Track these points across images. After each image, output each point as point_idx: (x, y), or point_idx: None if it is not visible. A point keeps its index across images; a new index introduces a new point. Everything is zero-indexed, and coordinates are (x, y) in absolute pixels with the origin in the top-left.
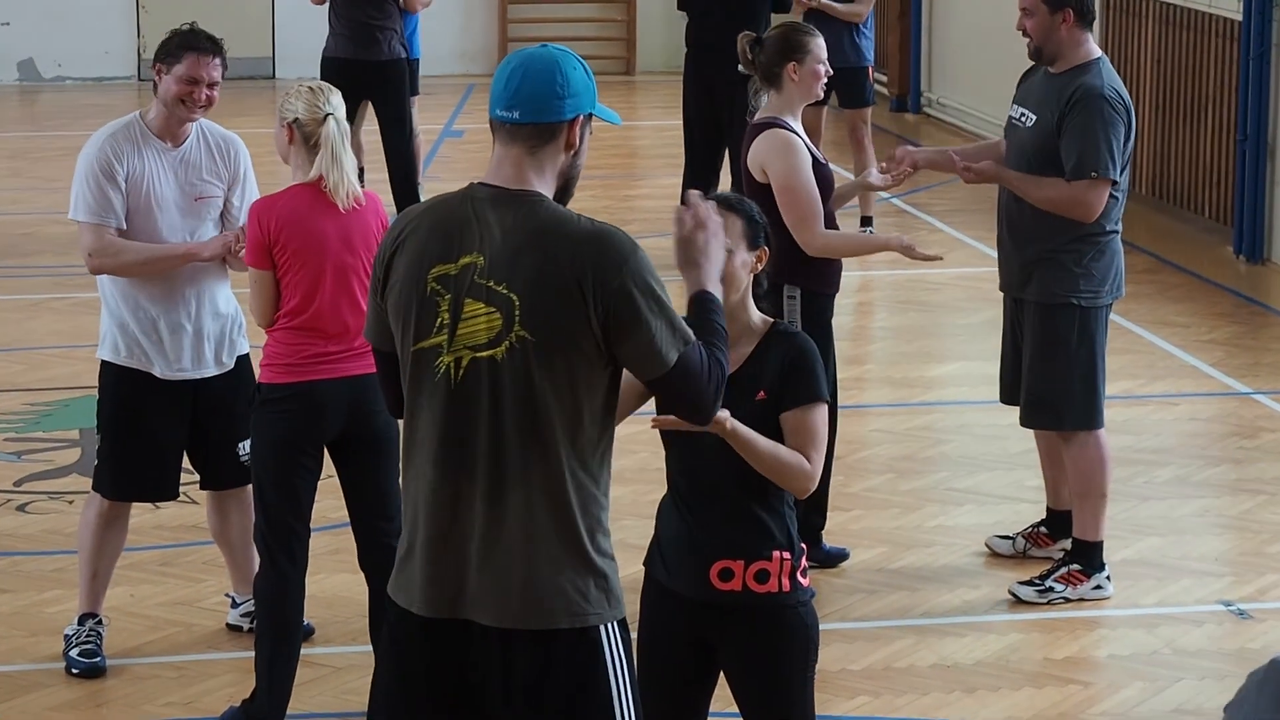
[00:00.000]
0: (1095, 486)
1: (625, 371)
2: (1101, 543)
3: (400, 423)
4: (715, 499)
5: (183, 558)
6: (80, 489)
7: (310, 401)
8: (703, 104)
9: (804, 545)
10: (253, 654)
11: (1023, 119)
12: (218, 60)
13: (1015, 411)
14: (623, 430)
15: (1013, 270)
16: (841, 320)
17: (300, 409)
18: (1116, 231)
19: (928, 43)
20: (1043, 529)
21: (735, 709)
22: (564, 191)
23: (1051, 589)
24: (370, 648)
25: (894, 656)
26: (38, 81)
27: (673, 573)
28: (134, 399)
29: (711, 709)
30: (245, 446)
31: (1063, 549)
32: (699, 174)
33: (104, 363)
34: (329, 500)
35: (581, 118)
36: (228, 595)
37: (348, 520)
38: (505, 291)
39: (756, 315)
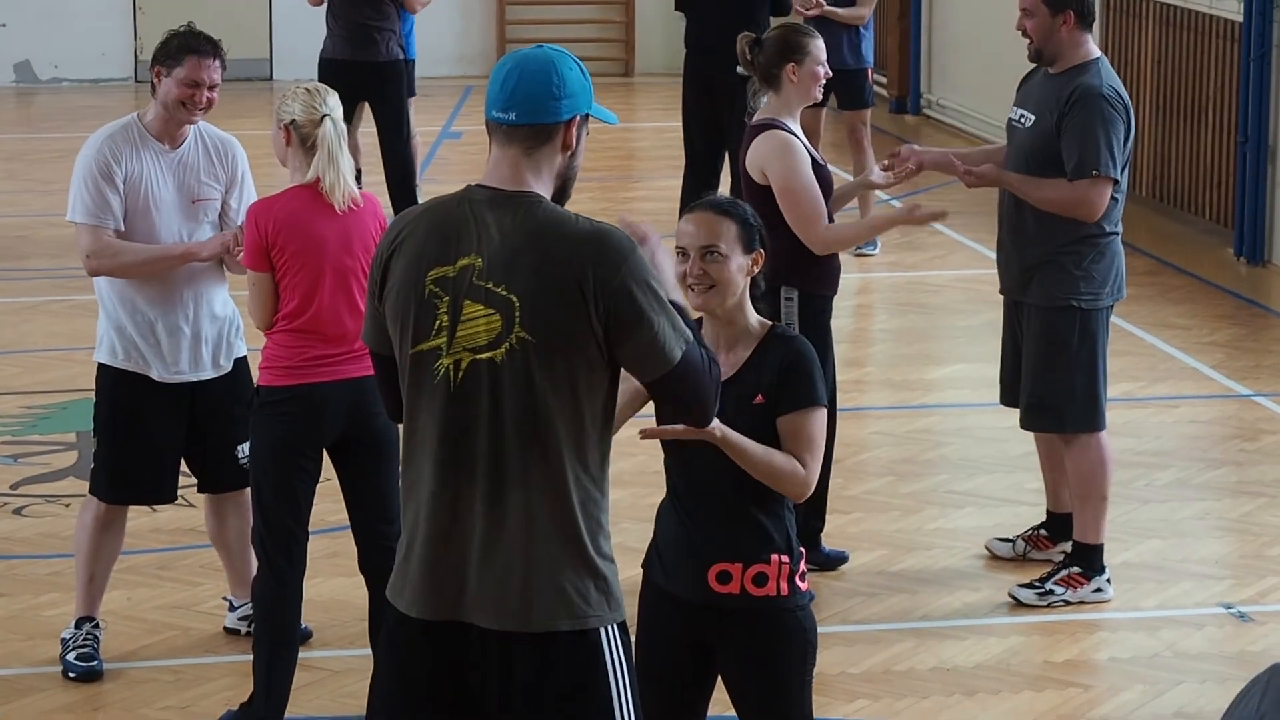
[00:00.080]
0: (1096, 489)
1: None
2: (1102, 545)
3: (400, 425)
4: (714, 502)
5: (180, 561)
6: (77, 492)
7: (310, 404)
8: (702, 106)
9: (803, 549)
10: (250, 657)
11: (1022, 120)
12: (218, 62)
13: (1015, 414)
14: (622, 433)
15: (1013, 273)
16: (841, 322)
17: (300, 411)
18: (1116, 233)
19: (927, 44)
20: (1043, 532)
21: (733, 712)
22: (561, 192)
23: (1052, 592)
24: (369, 651)
25: (893, 659)
26: (34, 83)
27: (671, 575)
28: (131, 402)
29: (709, 712)
30: (244, 449)
31: (1063, 552)
32: (699, 176)
33: (101, 365)
34: (327, 503)
35: (578, 118)
36: (225, 599)
37: (346, 523)
38: (504, 293)
39: (754, 318)
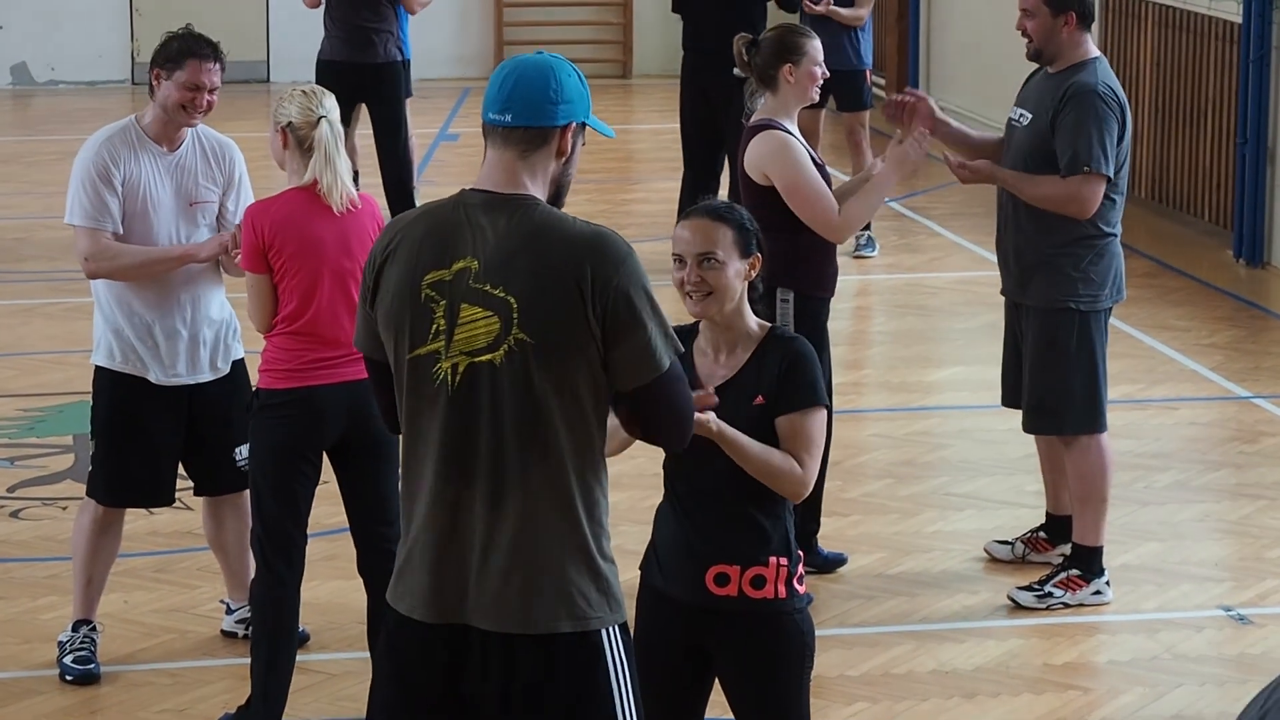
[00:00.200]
0: (1096, 491)
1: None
2: (1101, 548)
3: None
4: (712, 504)
5: (177, 564)
6: (74, 495)
7: (309, 407)
8: (699, 107)
9: (801, 552)
10: (248, 661)
11: (1020, 119)
12: (218, 65)
13: (1014, 416)
14: None
15: (1012, 274)
16: (839, 324)
17: (299, 414)
18: (1115, 234)
19: (926, 46)
20: (1042, 534)
21: (731, 715)
22: (555, 199)
23: (1051, 594)
24: (367, 654)
25: (893, 662)
26: (31, 85)
27: (669, 578)
28: (129, 404)
29: (707, 714)
30: (242, 452)
31: (1062, 554)
32: (698, 178)
33: (98, 368)
34: (324, 506)
35: (574, 125)
36: (222, 602)
37: (343, 526)
38: (502, 295)
39: (753, 321)
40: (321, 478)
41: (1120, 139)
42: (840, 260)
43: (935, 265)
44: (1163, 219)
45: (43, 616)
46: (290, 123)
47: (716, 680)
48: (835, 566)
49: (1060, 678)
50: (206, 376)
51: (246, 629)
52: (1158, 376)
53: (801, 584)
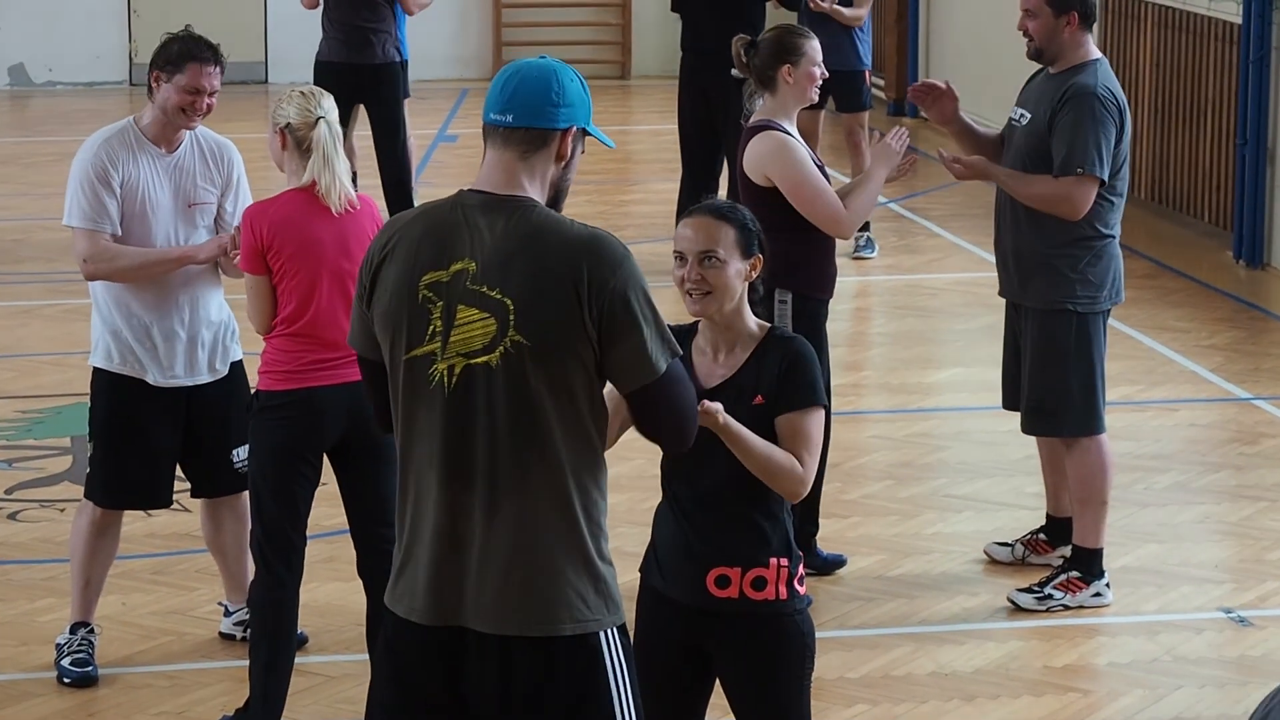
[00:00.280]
0: (1096, 493)
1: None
2: (1101, 550)
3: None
4: (712, 506)
5: (175, 566)
6: (72, 497)
7: (309, 408)
8: (698, 108)
9: (800, 553)
10: (246, 663)
11: (1020, 119)
12: (218, 69)
13: (1014, 417)
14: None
15: (1010, 275)
16: (839, 326)
17: (299, 416)
18: (1113, 236)
19: (925, 46)
20: (1042, 536)
21: (732, 717)
22: (554, 203)
23: (1051, 596)
24: (366, 656)
25: (892, 665)
26: (28, 86)
27: (669, 580)
28: (127, 406)
29: (708, 717)
30: (240, 454)
31: (1062, 556)
32: (696, 178)
33: (96, 370)
34: (322, 507)
35: (574, 130)
36: (221, 604)
37: (341, 528)
38: (499, 297)
39: (752, 321)
40: (320, 479)
41: (1119, 142)
42: (839, 261)
43: (935, 266)
44: (1162, 220)
45: (40, 619)
46: (288, 124)
47: (717, 682)
48: (834, 568)
49: (1060, 680)
50: (205, 378)
51: (245, 631)
52: (1157, 378)
53: (802, 585)
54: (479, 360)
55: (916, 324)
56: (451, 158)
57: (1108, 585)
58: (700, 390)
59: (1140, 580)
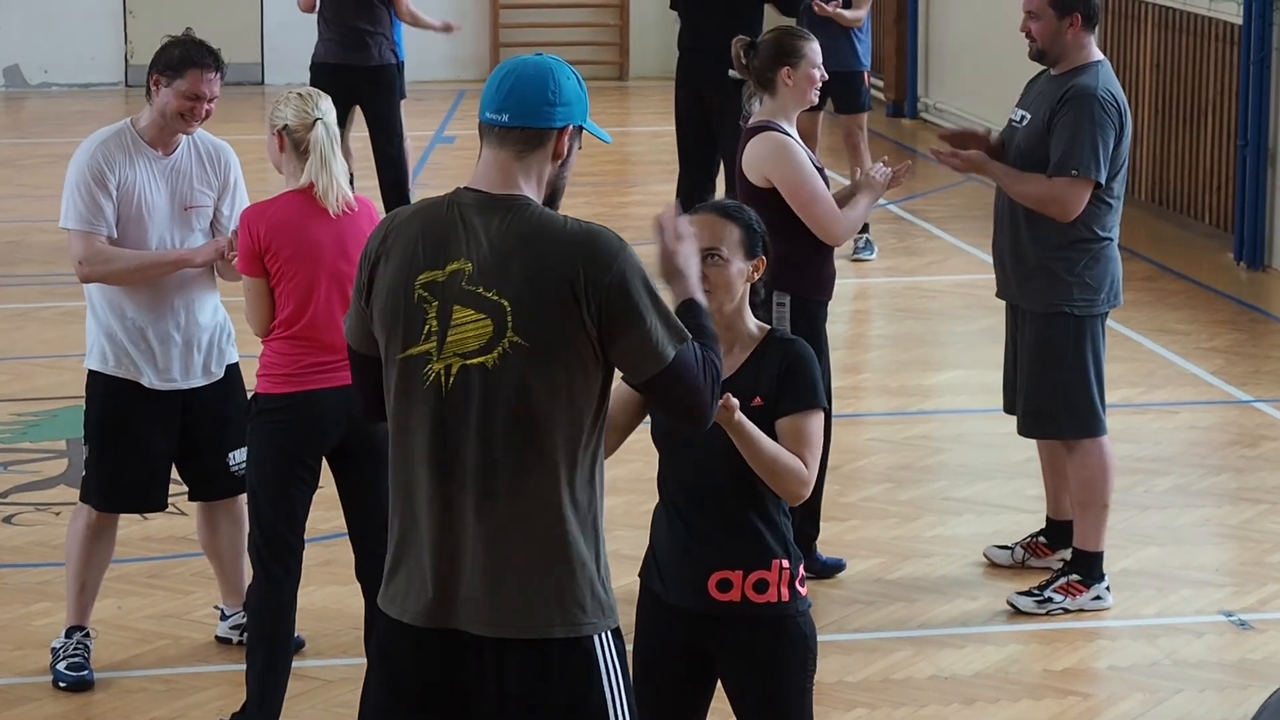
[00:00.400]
0: (1097, 496)
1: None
2: (1102, 553)
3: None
4: (712, 509)
5: (171, 570)
6: (68, 500)
7: (308, 411)
8: (694, 108)
9: (800, 554)
10: (242, 667)
11: (1021, 121)
12: (218, 75)
13: (1014, 420)
14: None
15: (1007, 277)
16: (838, 328)
17: (298, 419)
18: (1111, 239)
19: (924, 47)
20: (1041, 539)
21: None
22: (550, 201)
23: (1050, 599)
24: (363, 660)
25: (891, 668)
26: (24, 88)
27: (669, 584)
28: (123, 409)
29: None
30: (236, 457)
31: (1061, 559)
32: (694, 178)
33: (92, 372)
34: (319, 511)
35: (571, 128)
36: (217, 608)
37: (339, 531)
38: (496, 298)
39: (753, 322)
40: (318, 483)
41: (1118, 144)
42: (838, 263)
43: (934, 268)
44: (1163, 221)
45: (36, 623)
46: (286, 125)
47: (718, 686)
48: (834, 572)
49: (1060, 683)
50: (200, 381)
51: (241, 635)
52: (1157, 380)
53: (803, 586)
54: (475, 361)
55: (916, 326)
56: (449, 159)
57: (1108, 588)
58: None
59: (1140, 583)
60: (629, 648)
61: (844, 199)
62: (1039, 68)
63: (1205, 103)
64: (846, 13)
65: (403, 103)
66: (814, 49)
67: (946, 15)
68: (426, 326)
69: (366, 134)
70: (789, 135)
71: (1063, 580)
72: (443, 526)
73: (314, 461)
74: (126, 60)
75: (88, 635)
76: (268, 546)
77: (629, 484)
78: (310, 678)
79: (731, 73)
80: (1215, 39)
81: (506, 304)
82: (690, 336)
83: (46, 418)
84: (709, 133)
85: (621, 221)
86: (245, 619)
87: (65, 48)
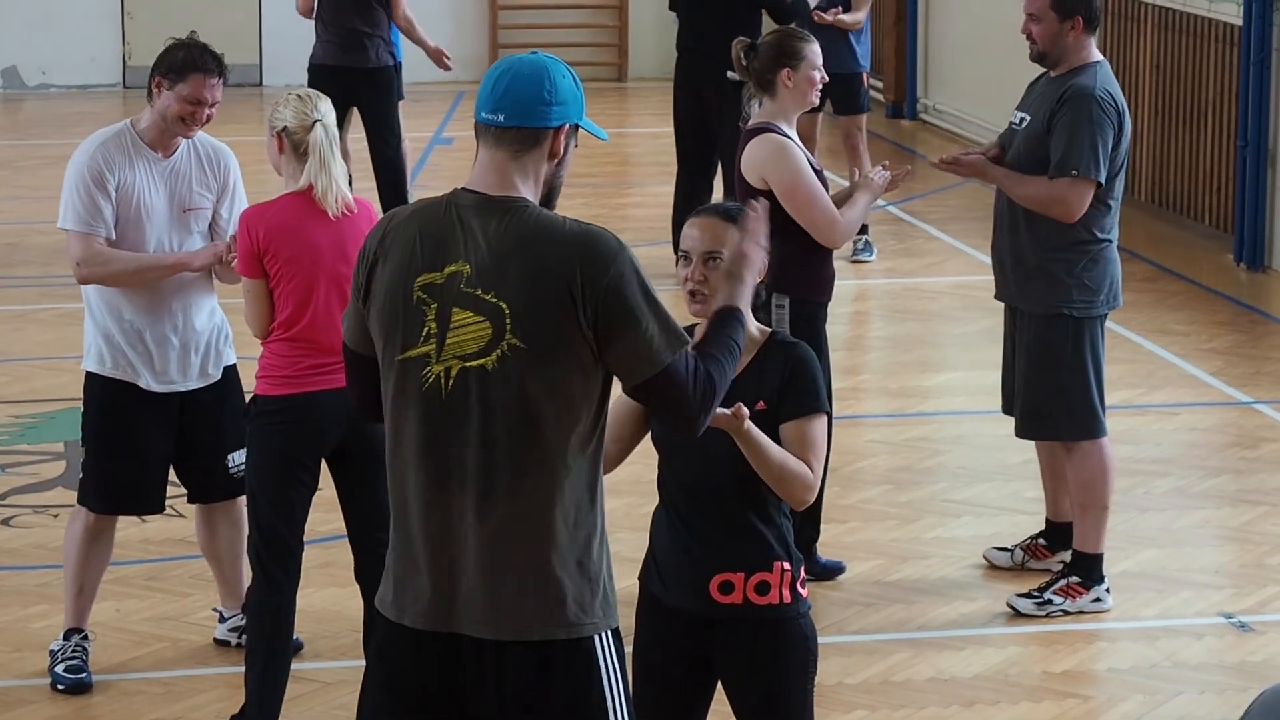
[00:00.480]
0: (1097, 498)
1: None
2: (1101, 555)
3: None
4: (714, 511)
5: (169, 572)
6: (66, 503)
7: (307, 413)
8: (693, 109)
9: (800, 556)
10: (241, 669)
11: (1020, 123)
12: (221, 80)
13: (1013, 422)
14: None
15: (1006, 278)
16: (837, 330)
17: (297, 421)
18: (1110, 240)
19: (924, 49)
20: (1041, 541)
21: None
22: (547, 201)
23: (1050, 601)
24: (362, 662)
25: (891, 670)
26: (22, 89)
27: (670, 587)
28: (120, 411)
29: None
30: (235, 458)
31: (1061, 561)
32: (692, 178)
33: (89, 374)
34: (318, 513)
35: (567, 127)
36: (215, 610)
37: (338, 533)
38: (494, 300)
39: (754, 326)
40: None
41: (1117, 145)
42: (837, 265)
43: (933, 270)
44: (1162, 222)
45: (34, 625)
46: (285, 127)
47: (718, 688)
48: (833, 574)
49: (1059, 686)
50: (197, 383)
51: (239, 637)
52: (1157, 381)
53: (804, 588)
54: (474, 363)
55: (915, 328)
56: (447, 160)
57: (1107, 590)
58: None
59: (1140, 585)
60: (628, 650)
61: (841, 200)
62: (1038, 69)
63: (1205, 104)
64: (846, 17)
65: (401, 104)
66: (814, 50)
67: (946, 17)
68: (425, 329)
69: (363, 134)
70: (788, 137)
71: (1062, 582)
72: (442, 529)
73: (313, 463)
74: (124, 61)
75: (86, 638)
76: (267, 548)
77: (629, 486)
78: (309, 680)
79: (731, 74)
80: (1215, 40)
81: (505, 306)
82: (688, 343)
83: (44, 420)
84: (708, 134)
85: (620, 223)
86: (244, 621)
87: (63, 49)
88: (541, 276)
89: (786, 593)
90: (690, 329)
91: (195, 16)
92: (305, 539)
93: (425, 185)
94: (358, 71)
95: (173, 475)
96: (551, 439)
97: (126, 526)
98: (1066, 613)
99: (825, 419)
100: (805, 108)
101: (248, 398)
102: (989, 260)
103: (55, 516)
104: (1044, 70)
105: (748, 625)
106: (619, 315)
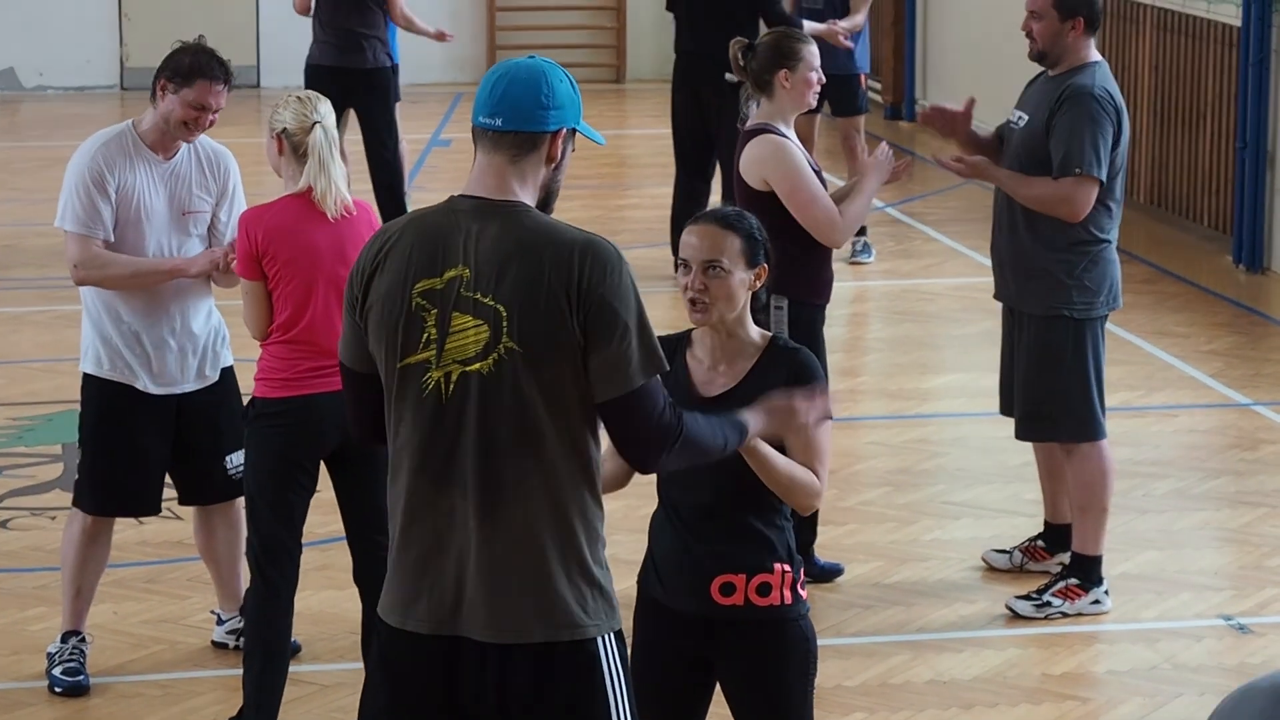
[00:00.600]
0: (1097, 500)
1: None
2: (1100, 557)
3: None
4: (714, 514)
5: (167, 574)
6: (63, 505)
7: (306, 416)
8: (691, 110)
9: (800, 558)
10: (239, 672)
11: (1018, 121)
12: (226, 87)
13: (1012, 423)
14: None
15: (1006, 279)
16: (836, 331)
17: (295, 423)
18: (1109, 242)
19: (922, 50)
20: (1040, 543)
21: None
22: (544, 205)
23: (1049, 603)
24: (359, 665)
25: (890, 673)
26: (19, 91)
27: (670, 589)
28: (117, 412)
29: None
30: (233, 460)
31: (1060, 563)
32: (691, 182)
33: (86, 376)
34: (315, 516)
35: (565, 132)
36: (213, 612)
37: (336, 536)
38: (492, 303)
39: (754, 330)
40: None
41: (1116, 144)
42: (836, 266)
43: (932, 271)
44: (1161, 224)
45: (32, 627)
46: (285, 129)
47: (717, 690)
48: (832, 576)
49: (1058, 688)
50: (194, 385)
51: (237, 640)
52: (1156, 383)
53: (804, 590)
54: (473, 368)
55: (914, 329)
56: (445, 162)
57: (1106, 592)
58: (699, 399)
59: (1139, 587)
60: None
61: (842, 196)
62: (1037, 70)
63: (1204, 105)
64: (843, 23)
65: (399, 105)
66: (812, 51)
67: (944, 18)
68: (425, 335)
69: (360, 136)
70: (787, 138)
71: (1061, 584)
72: (443, 533)
73: (312, 466)
74: (122, 63)
75: (83, 640)
76: (265, 551)
77: (629, 488)
78: (307, 683)
79: (729, 75)
80: (1214, 41)
81: (502, 309)
82: (666, 370)
83: (42, 422)
84: (706, 135)
85: (618, 224)
86: (242, 624)
87: (60, 51)
88: (540, 279)
89: (787, 594)
90: (686, 334)
91: (193, 18)
92: (303, 541)
93: (423, 187)
94: (355, 73)
95: (167, 477)
96: (551, 442)
97: (124, 529)
98: (1065, 615)
99: (829, 424)
100: (803, 108)
101: (246, 400)
102: (988, 262)
103: (53, 519)
104: (1041, 70)
105: (748, 627)
106: (606, 325)
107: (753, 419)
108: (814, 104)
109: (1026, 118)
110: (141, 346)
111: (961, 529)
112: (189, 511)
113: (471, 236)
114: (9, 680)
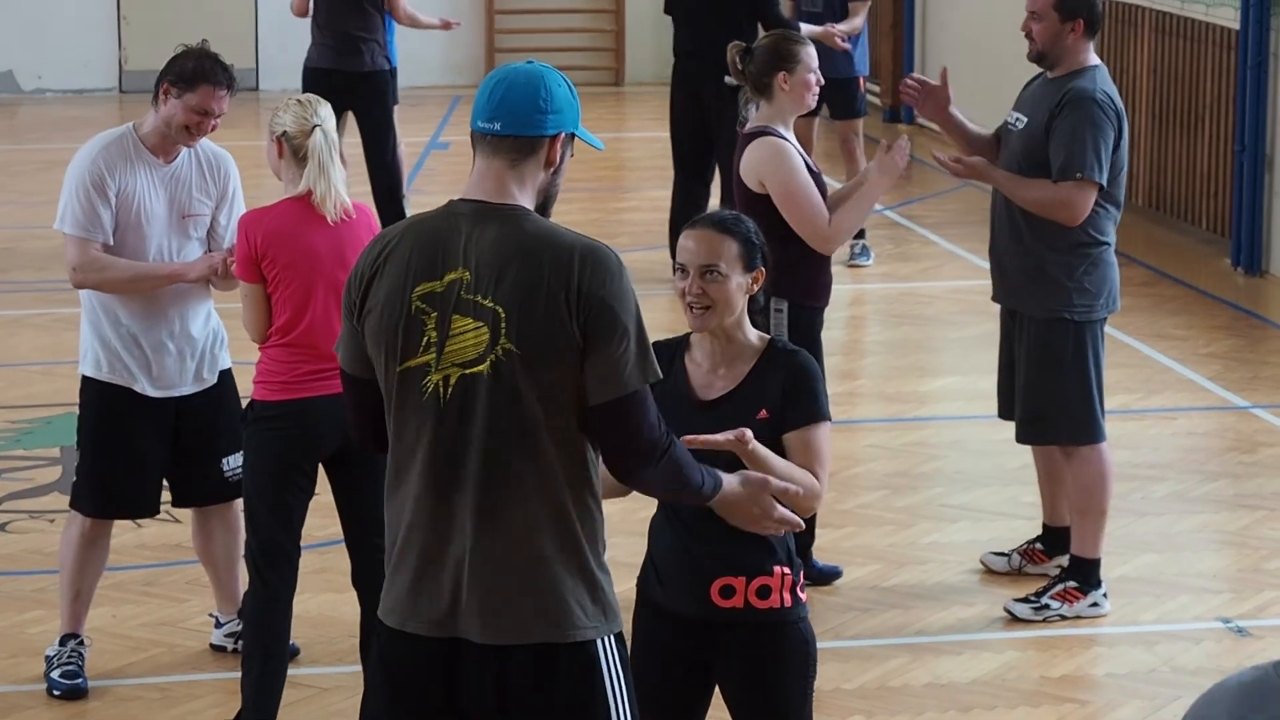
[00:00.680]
0: (1096, 503)
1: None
2: (1099, 560)
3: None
4: (714, 516)
5: (166, 577)
6: (62, 508)
7: (305, 419)
8: (690, 113)
9: (799, 561)
10: (237, 674)
11: (1016, 123)
12: (229, 93)
13: (1010, 426)
14: None
15: (1004, 282)
16: (834, 334)
17: (294, 426)
18: (1109, 244)
19: (921, 53)
20: (1038, 545)
21: None
22: (543, 209)
23: (1048, 606)
24: (358, 667)
25: (888, 675)
26: (17, 94)
27: (670, 592)
28: (115, 415)
29: None
30: (230, 462)
31: (1059, 566)
32: (690, 184)
33: (85, 378)
34: (315, 519)
35: (563, 136)
36: (211, 615)
37: (334, 539)
38: (491, 305)
39: (753, 333)
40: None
41: (1116, 148)
42: (834, 269)
43: (930, 274)
44: (1160, 227)
45: (30, 630)
46: (285, 132)
47: (716, 692)
48: (830, 579)
49: (1057, 690)
50: (193, 388)
51: (236, 643)
52: (1155, 386)
53: (803, 592)
54: (472, 370)
55: (912, 332)
56: (444, 165)
57: (1105, 595)
58: (698, 403)
59: (1138, 590)
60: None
61: (840, 200)
62: (1035, 72)
63: (1202, 108)
64: (841, 26)
65: (397, 108)
66: (810, 53)
67: (943, 21)
68: (425, 338)
69: (358, 139)
70: (787, 140)
71: (1060, 587)
72: (444, 535)
73: (310, 469)
74: (120, 66)
75: (82, 643)
76: (264, 554)
77: None
78: (305, 685)
79: (727, 78)
80: (1213, 44)
81: (501, 311)
82: (660, 379)
83: (41, 425)
84: (705, 138)
85: (617, 227)
86: (240, 627)
87: (59, 53)
88: (539, 281)
89: (787, 597)
90: (684, 338)
91: (191, 20)
92: (302, 544)
93: (421, 190)
94: (353, 75)
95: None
96: (549, 445)
97: (123, 532)
98: (1064, 617)
99: (829, 426)
100: (802, 111)
101: (244, 403)
102: (986, 264)
103: (51, 522)
104: (1039, 72)
105: (748, 629)
106: (604, 329)
107: (729, 479)
108: (813, 106)
109: (1025, 119)
110: (140, 349)
111: (960, 532)
112: (187, 514)
113: (471, 239)
114: (7, 683)
